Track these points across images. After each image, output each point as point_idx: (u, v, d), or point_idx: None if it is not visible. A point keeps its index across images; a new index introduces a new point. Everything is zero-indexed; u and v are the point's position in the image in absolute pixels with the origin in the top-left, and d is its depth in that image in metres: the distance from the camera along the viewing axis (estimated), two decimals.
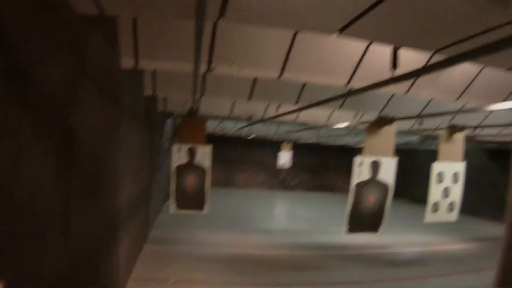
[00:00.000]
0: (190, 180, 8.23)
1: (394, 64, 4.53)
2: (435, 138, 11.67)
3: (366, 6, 3.03)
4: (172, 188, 8.13)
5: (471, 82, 6.29)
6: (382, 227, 6.76)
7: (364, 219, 6.59)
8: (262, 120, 11.01)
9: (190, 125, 8.24)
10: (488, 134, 11.69)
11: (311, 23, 3.65)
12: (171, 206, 8.14)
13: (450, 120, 8.89)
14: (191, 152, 8.18)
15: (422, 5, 2.96)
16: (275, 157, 23.92)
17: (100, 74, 4.61)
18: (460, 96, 6.49)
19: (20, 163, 2.58)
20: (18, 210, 2.57)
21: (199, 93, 7.46)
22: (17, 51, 2.49)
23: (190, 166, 8.21)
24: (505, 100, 6.61)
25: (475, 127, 8.76)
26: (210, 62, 5.25)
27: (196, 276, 8.63)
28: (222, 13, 3.33)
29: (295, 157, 23.25)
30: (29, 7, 2.58)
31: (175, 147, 8.13)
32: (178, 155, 8.12)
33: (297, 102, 7.87)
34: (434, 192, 7.20)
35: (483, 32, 3.30)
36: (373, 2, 2.94)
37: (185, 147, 8.13)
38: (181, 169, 8.18)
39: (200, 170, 8.26)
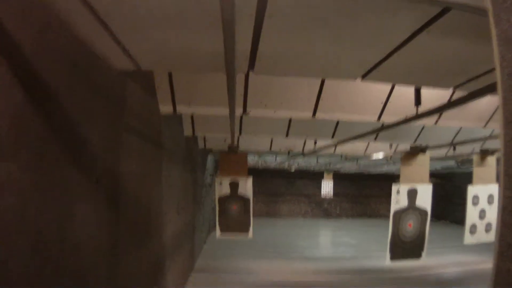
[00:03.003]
0: (233, 208, 8.28)
1: (418, 101, 4.71)
2: (471, 162, 11.65)
3: (383, 56, 3.25)
4: (217, 216, 8.20)
5: (496, 109, 6.39)
6: (424, 253, 6.83)
7: (406, 246, 6.67)
8: (301, 154, 11.20)
9: (231, 160, 8.26)
10: None
11: (334, 73, 3.90)
12: (217, 232, 8.23)
13: (482, 145, 8.93)
14: (234, 185, 8.20)
15: (430, 54, 3.15)
16: (317, 187, 23.97)
17: (141, 121, 4.92)
18: (487, 123, 6.60)
19: (72, 214, 2.85)
20: (69, 257, 2.82)
21: (237, 134, 7.77)
22: (62, 108, 2.77)
23: (233, 197, 8.22)
24: None
25: None
26: (245, 106, 5.52)
27: None
28: (251, 68, 3.60)
29: (337, 186, 23.23)
30: (69, 65, 2.88)
31: (217, 180, 8.22)
32: (221, 187, 8.17)
33: (333, 137, 8.06)
34: (471, 214, 7.25)
35: None
36: (388, 53, 3.16)
37: (227, 180, 8.23)
38: (224, 199, 8.19)
39: (243, 199, 8.27)
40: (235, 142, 7.81)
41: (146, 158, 5.22)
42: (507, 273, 1.14)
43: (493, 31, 1.31)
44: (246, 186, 8.29)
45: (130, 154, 4.41)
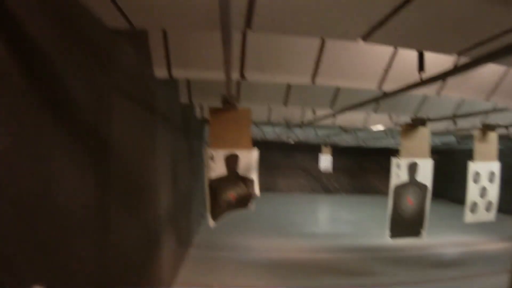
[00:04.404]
0: (231, 195, 6.03)
1: (421, 67, 4.56)
2: (471, 137, 11.63)
3: (385, 14, 3.11)
4: (208, 203, 5.94)
5: (500, 82, 6.27)
6: (424, 231, 6.75)
7: (406, 223, 6.59)
8: (300, 125, 11.07)
9: (228, 121, 5.84)
10: None
11: (335, 32, 3.74)
12: (209, 220, 6.15)
13: (483, 119, 8.82)
14: (231, 160, 5.83)
15: (439, 10, 3.01)
16: (315, 161, 23.93)
17: (134, 84, 4.77)
18: (490, 96, 6.48)
19: (55, 176, 2.72)
20: (54, 220, 2.70)
21: (235, 100, 7.47)
22: (51, 67, 2.63)
23: (231, 178, 5.92)
24: None
25: (508, 126, 8.68)
26: (242, 70, 5.37)
27: (239, 281, 8.68)
28: (248, 24, 3.44)
29: (335, 160, 23.16)
30: (60, 22, 2.73)
31: (207, 154, 5.76)
32: (213, 164, 5.77)
33: (331, 106, 7.91)
34: (472, 192, 7.17)
35: (506, 32, 3.32)
36: (391, 11, 3.02)
37: (221, 153, 5.77)
38: (218, 182, 5.88)
39: (245, 181, 6.05)
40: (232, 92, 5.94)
41: (139, 123, 5.07)
42: None
43: None
44: (250, 162, 5.99)
45: (121, 117, 4.26)
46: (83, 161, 3.25)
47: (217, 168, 5.80)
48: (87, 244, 3.34)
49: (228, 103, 5.76)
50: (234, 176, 5.92)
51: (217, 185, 5.87)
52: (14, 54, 2.20)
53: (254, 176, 6.08)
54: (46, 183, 2.61)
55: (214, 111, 5.86)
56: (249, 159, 5.94)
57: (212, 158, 5.75)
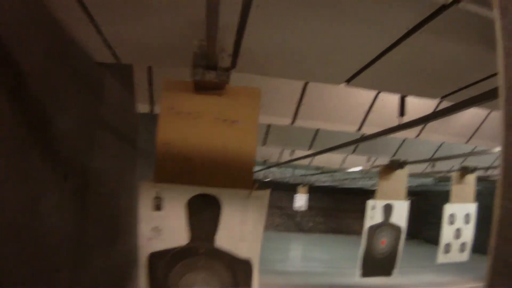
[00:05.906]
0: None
1: (402, 112, 4.62)
2: (449, 179, 11.82)
3: (369, 60, 3.15)
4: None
5: (480, 125, 6.36)
6: (395, 271, 6.75)
7: (377, 263, 6.59)
8: (277, 164, 11.06)
9: (204, 113, 2.68)
10: None
11: (318, 76, 3.78)
12: None
13: (462, 162, 8.92)
14: (204, 213, 2.60)
15: (423, 56, 3.06)
16: (291, 200, 23.91)
17: (117, 118, 4.75)
18: (470, 139, 6.56)
19: (34, 208, 2.68)
20: (31, 250, 2.65)
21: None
22: (34, 97, 2.61)
23: (197, 254, 2.66)
24: None
25: (487, 168, 8.77)
26: None
27: None
28: (233, 65, 3.47)
29: (311, 200, 23.22)
30: (46, 53, 2.72)
31: (146, 194, 2.72)
32: (163, 220, 2.63)
33: (310, 147, 7.93)
34: (446, 233, 7.21)
35: (488, 77, 3.39)
36: (375, 56, 3.07)
37: (181, 195, 2.59)
38: (169, 263, 2.73)
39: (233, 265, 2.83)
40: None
41: (120, 156, 5.04)
42: None
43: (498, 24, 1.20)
44: (247, 219, 2.84)
45: (103, 151, 4.24)
46: (64, 193, 3.21)
47: (169, 229, 2.64)
48: (59, 279, 3.29)
49: (210, 68, 2.72)
50: (206, 249, 2.69)
51: (166, 268, 2.78)
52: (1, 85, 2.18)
53: (255, 254, 3.05)
54: (27, 214, 2.57)
55: (172, 86, 2.72)
56: (246, 212, 2.78)
57: (157, 204, 2.65)
